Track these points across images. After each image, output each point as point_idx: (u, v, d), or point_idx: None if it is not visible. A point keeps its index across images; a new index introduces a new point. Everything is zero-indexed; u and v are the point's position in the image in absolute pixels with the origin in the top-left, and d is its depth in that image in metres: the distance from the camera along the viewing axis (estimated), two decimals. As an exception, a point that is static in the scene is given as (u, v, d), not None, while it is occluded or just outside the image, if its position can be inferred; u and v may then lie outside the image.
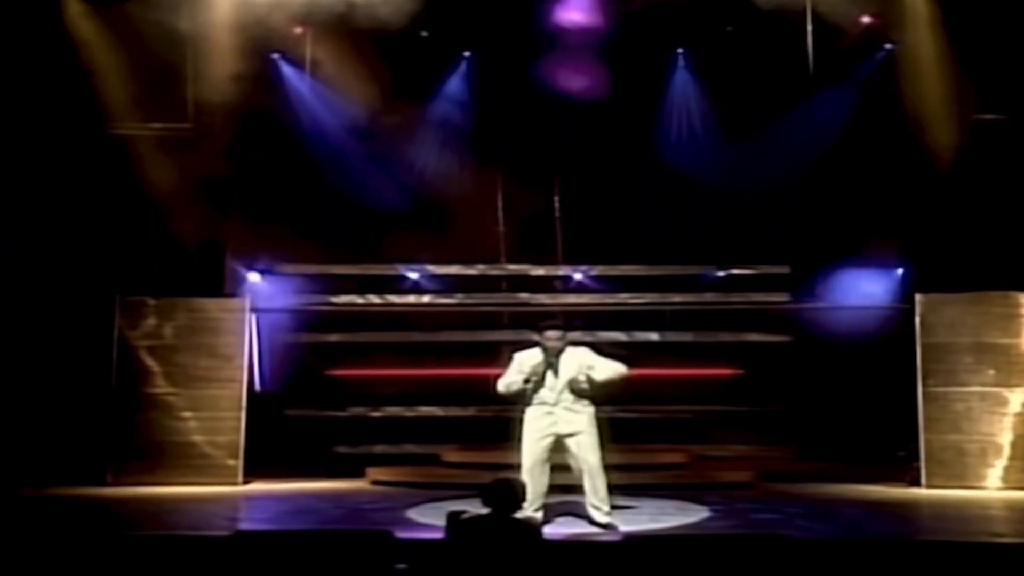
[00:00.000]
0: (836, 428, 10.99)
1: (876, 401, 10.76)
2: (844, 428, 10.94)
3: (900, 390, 10.43)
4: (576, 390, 7.24)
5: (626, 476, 7.71)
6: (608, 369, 7.32)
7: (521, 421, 7.50)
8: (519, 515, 5.32)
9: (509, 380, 7.32)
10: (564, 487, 7.65)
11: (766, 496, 9.22)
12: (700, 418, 11.43)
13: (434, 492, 9.12)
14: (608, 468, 7.35)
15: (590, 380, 7.28)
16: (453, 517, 5.08)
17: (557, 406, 7.28)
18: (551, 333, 7.29)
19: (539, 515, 7.17)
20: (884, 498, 9.14)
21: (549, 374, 7.32)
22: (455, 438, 11.26)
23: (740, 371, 11.67)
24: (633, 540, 5.85)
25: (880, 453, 10.37)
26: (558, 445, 7.32)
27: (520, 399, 7.36)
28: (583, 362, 7.38)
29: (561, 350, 7.30)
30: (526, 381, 7.25)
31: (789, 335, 11.58)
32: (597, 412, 7.40)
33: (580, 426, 7.28)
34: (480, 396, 11.60)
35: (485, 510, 5.11)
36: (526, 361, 7.33)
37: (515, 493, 5.16)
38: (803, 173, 11.04)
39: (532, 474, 7.22)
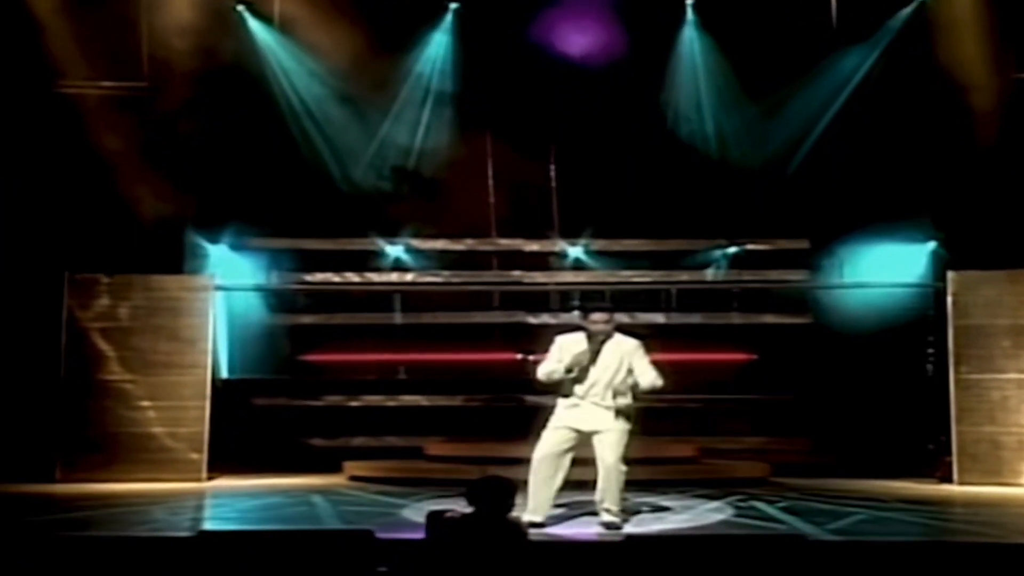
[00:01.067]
0: (858, 419, 11.04)
1: (903, 389, 10.87)
2: (867, 419, 10.99)
3: (930, 377, 10.50)
4: (618, 391, 7.11)
5: (634, 469, 7.63)
6: (650, 376, 7.18)
7: (534, 412, 7.56)
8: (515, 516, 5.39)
9: (550, 368, 7.17)
10: (577, 483, 7.59)
11: (781, 492, 9.25)
12: (709, 408, 11.48)
13: (418, 489, 9.17)
14: (629, 467, 7.30)
15: (631, 384, 7.16)
16: (434, 516, 5.09)
17: (584, 399, 7.15)
18: (597, 316, 7.15)
19: (539, 518, 7.10)
20: (912, 495, 9.19)
21: (585, 356, 7.18)
22: (441, 430, 11.32)
23: (753, 356, 11.74)
24: (635, 541, 5.84)
25: (907, 447, 10.46)
26: (583, 442, 7.21)
27: (560, 389, 7.26)
28: (628, 356, 7.23)
29: (607, 337, 7.16)
30: (568, 371, 7.11)
31: (807, 316, 11.66)
32: (631, 409, 7.28)
33: (605, 424, 7.14)
34: (468, 383, 11.91)
35: (470, 509, 5.19)
36: (567, 347, 7.18)
37: (503, 492, 5.15)
38: (824, 139, 11.16)
39: (539, 469, 7.12)
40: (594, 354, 7.12)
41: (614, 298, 11.57)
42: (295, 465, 10.67)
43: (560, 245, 12.16)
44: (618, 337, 7.24)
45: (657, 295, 11.92)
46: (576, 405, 7.15)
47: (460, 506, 5.30)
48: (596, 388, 7.16)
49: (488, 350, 11.90)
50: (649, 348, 7.29)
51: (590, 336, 7.19)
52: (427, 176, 11.58)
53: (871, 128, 11.05)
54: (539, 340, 9.67)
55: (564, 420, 7.19)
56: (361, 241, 11.96)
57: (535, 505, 7.11)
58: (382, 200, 11.64)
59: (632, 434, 7.20)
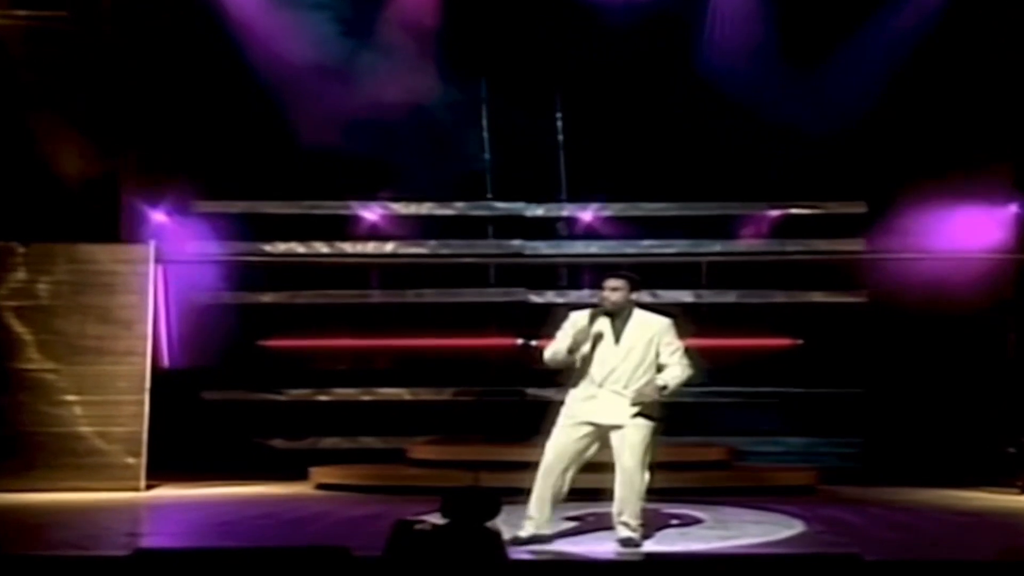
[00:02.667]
0: (922, 416, 11.14)
1: (977, 381, 10.97)
2: (933, 416, 11.09)
3: (1010, 367, 10.50)
4: (642, 395, 7.03)
5: (654, 476, 7.50)
6: (680, 368, 7.10)
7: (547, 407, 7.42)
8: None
9: (556, 346, 7.11)
10: (590, 492, 7.60)
11: (831, 504, 9.30)
12: (745, 403, 11.56)
13: (400, 498, 9.16)
14: (654, 473, 7.27)
15: (659, 373, 7.08)
16: (403, 527, 5.06)
17: (603, 387, 7.07)
18: (608, 282, 7.09)
19: (546, 531, 7.09)
20: (987, 508, 9.26)
21: (605, 342, 7.09)
22: (426, 429, 11.38)
23: (797, 341, 11.74)
24: (656, 561, 5.90)
25: (982, 450, 10.54)
26: (601, 440, 7.13)
27: (570, 373, 7.20)
28: (657, 337, 7.14)
29: (624, 311, 7.08)
30: (572, 349, 7.03)
31: (862, 294, 11.68)
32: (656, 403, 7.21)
33: (627, 417, 7.06)
34: (459, 374, 11.94)
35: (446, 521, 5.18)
36: (580, 322, 7.10)
37: (483, 507, 5.14)
38: (884, 83, 11.10)
39: (548, 474, 7.06)
40: (615, 334, 7.06)
41: (634, 272, 11.34)
42: (252, 471, 10.73)
43: (568, 210, 12.20)
44: (644, 315, 7.18)
45: (684, 269, 11.92)
46: (592, 396, 7.08)
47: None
48: (617, 374, 7.08)
49: (483, 334, 11.94)
50: (679, 332, 7.24)
51: (603, 309, 7.12)
52: (410, 127, 11.57)
53: (939, 71, 11.12)
54: (543, 322, 9.69)
55: (578, 414, 7.12)
56: (331, 204, 12.01)
57: (537, 516, 7.09)
58: (357, 155, 11.64)
59: (657, 433, 7.15)
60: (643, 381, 7.05)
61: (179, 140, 11.27)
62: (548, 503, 7.07)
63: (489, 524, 5.13)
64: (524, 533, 7.02)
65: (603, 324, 7.08)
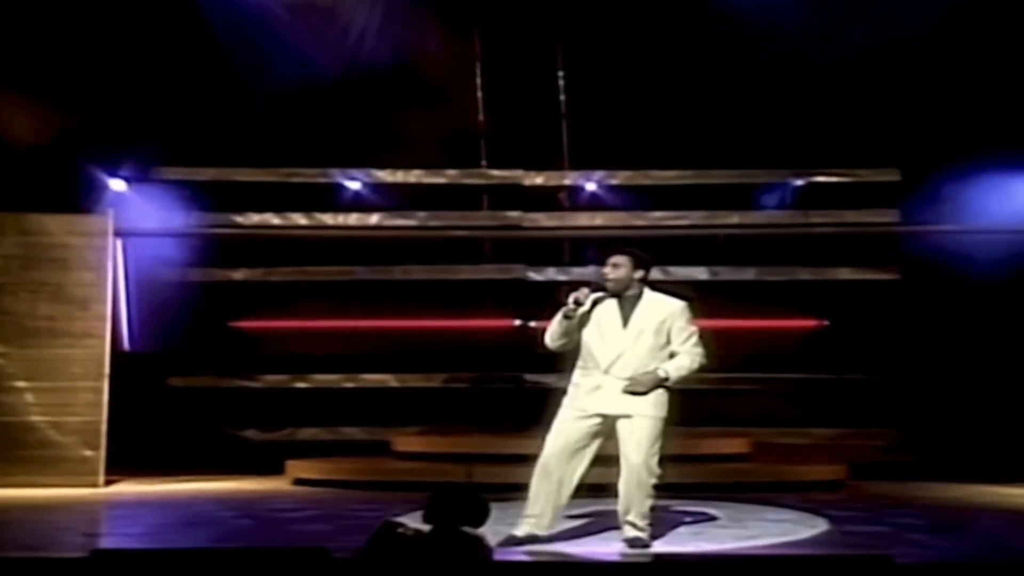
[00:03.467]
0: (962, 405, 11.10)
1: (1023, 366, 10.87)
2: (973, 405, 11.06)
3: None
4: (636, 383, 7.05)
5: (665, 470, 7.51)
6: (689, 357, 7.12)
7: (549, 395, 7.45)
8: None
9: (553, 329, 7.18)
10: (593, 487, 7.59)
11: (860, 501, 9.33)
12: (766, 390, 11.61)
13: (385, 495, 9.14)
14: (662, 467, 7.26)
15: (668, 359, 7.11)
16: (388, 529, 5.08)
17: (609, 374, 7.09)
18: (610, 258, 7.13)
19: (541, 531, 7.12)
20: None
21: (611, 326, 7.11)
22: (414, 418, 11.46)
23: (823, 322, 11.76)
24: (666, 563, 5.83)
25: None
26: (608, 431, 7.16)
27: (572, 358, 7.23)
28: (670, 321, 7.15)
29: (633, 292, 7.09)
30: (568, 316, 7.06)
31: (895, 271, 11.71)
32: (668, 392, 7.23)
33: (637, 407, 7.08)
34: (451, 358, 11.97)
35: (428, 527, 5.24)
36: (581, 299, 7.13)
37: (469, 512, 5.18)
38: (921, 35, 11.05)
39: (547, 469, 7.10)
40: (623, 317, 7.10)
41: (643, 247, 11.11)
42: (222, 465, 10.75)
43: (571, 178, 12.21)
44: (656, 296, 7.20)
45: (699, 244, 11.90)
46: (598, 387, 7.12)
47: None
48: (625, 361, 7.09)
49: (477, 315, 11.99)
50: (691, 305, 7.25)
51: (604, 290, 7.14)
52: (396, 86, 11.60)
53: (986, 29, 11.04)
54: (543, 302, 9.69)
55: (583, 404, 7.15)
56: (310, 172, 12.02)
57: (536, 514, 7.11)
58: (339, 117, 11.68)
59: (668, 424, 7.16)
60: (652, 368, 7.07)
61: (140, 100, 11.22)
62: (550, 503, 7.09)
63: (475, 528, 5.17)
64: (520, 532, 7.05)
65: (609, 306, 7.10)
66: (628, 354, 7.06)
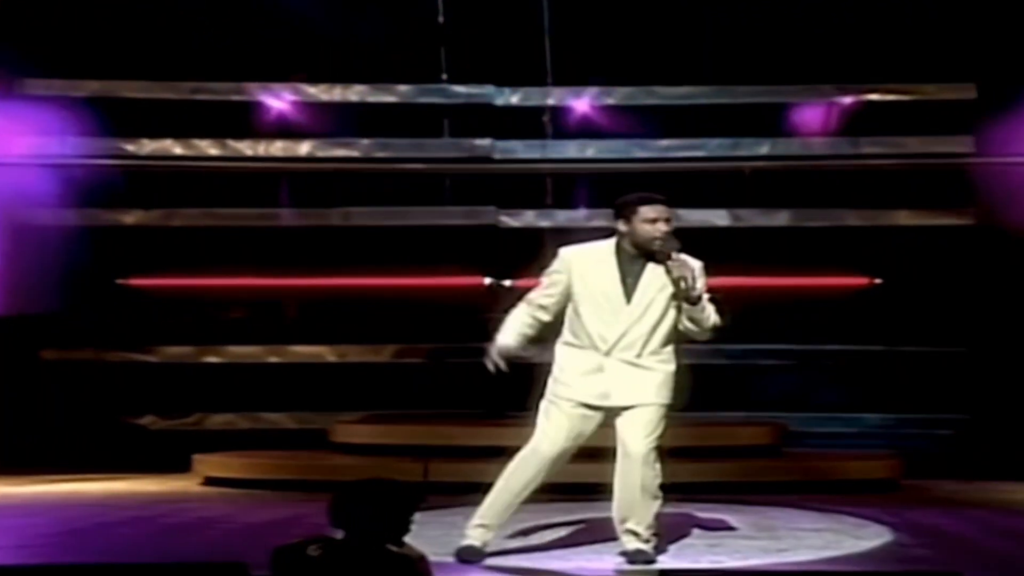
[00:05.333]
0: None
1: None
2: None
3: None
4: (664, 343, 7.19)
5: (673, 466, 7.58)
6: (710, 309, 7.24)
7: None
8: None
9: (529, 313, 7.26)
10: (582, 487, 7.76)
11: (921, 504, 9.35)
12: (801, 366, 11.69)
13: (317, 496, 8.93)
14: (664, 461, 7.32)
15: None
16: (284, 554, 4.89)
17: (611, 356, 7.19)
18: (659, 209, 7.12)
19: (489, 535, 7.21)
20: None
21: (611, 297, 7.21)
22: (356, 402, 11.45)
23: (875, 280, 11.69)
24: None
25: None
26: (605, 423, 7.31)
27: (566, 336, 7.33)
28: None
29: (669, 255, 7.15)
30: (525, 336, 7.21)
31: (967, 215, 11.59)
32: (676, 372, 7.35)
33: (643, 395, 7.19)
34: (403, 327, 11.99)
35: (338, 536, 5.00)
36: (581, 269, 7.20)
37: (392, 507, 4.97)
38: None
39: (520, 471, 7.20)
40: (625, 284, 7.18)
41: (646, 185, 11.44)
42: (114, 461, 10.81)
43: (556, 96, 12.06)
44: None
45: (718, 180, 11.90)
46: (599, 369, 7.22)
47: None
48: (629, 339, 7.17)
49: (436, 272, 11.98)
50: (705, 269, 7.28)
51: (654, 257, 7.10)
52: None
53: None
54: (519, 255, 10.19)
55: (580, 394, 7.24)
56: (223, 87, 11.93)
57: (488, 519, 7.20)
58: (259, 20, 11.62)
59: (673, 411, 7.25)
60: (660, 343, 7.16)
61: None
62: (503, 498, 7.21)
63: (405, 539, 5.01)
64: (476, 542, 7.11)
65: (607, 271, 7.16)
66: (633, 331, 7.15)
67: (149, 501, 9.49)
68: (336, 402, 11.38)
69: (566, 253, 7.21)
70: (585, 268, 7.15)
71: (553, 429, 7.16)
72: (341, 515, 4.98)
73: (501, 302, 10.82)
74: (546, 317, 7.19)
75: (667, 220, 7.08)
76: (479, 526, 7.15)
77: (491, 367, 7.20)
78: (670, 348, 7.23)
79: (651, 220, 7.04)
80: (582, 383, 7.17)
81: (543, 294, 7.20)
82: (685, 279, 7.04)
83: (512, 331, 7.17)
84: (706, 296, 7.20)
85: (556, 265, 7.20)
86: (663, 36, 11.75)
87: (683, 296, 7.09)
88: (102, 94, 11.62)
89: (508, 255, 11.42)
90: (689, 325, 7.16)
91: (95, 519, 8.69)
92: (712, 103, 11.86)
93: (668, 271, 7.05)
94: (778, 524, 8.41)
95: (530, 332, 7.20)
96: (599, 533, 7.57)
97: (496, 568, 6.95)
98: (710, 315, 7.18)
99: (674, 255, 7.03)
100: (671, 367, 7.21)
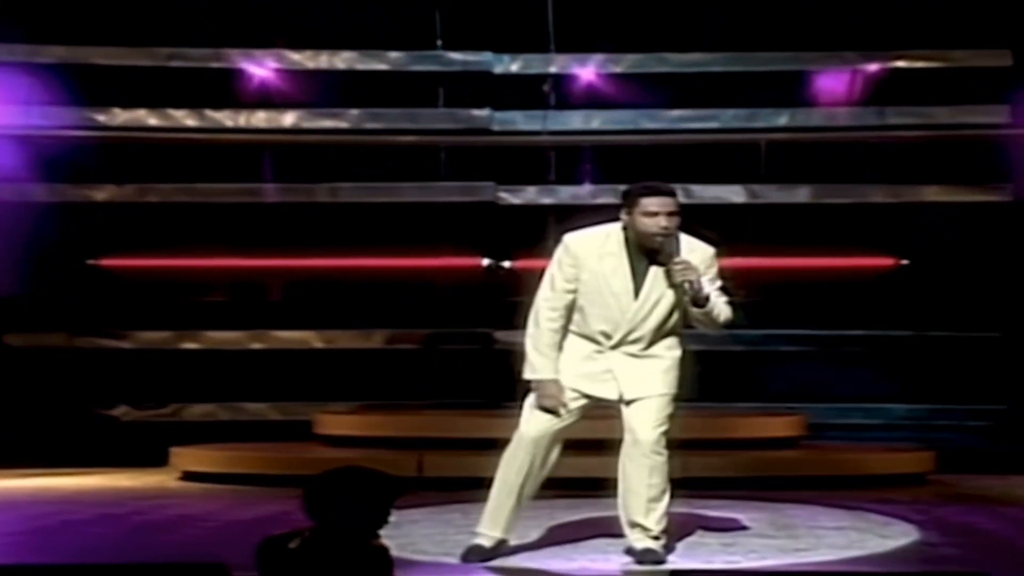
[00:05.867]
0: None
1: None
2: None
3: None
4: (671, 334, 7.20)
5: (688, 460, 7.76)
6: (720, 306, 7.20)
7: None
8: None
9: (544, 316, 7.16)
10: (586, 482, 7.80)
11: (951, 501, 9.36)
12: (824, 353, 11.66)
13: (301, 491, 8.98)
14: (673, 454, 7.28)
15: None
16: (270, 546, 4.90)
17: (616, 351, 7.20)
18: (662, 201, 7.05)
19: (497, 533, 7.16)
20: None
21: (618, 291, 7.17)
22: (344, 391, 11.53)
23: (902, 261, 11.76)
24: None
25: None
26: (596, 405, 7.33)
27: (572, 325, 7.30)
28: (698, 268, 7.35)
29: (675, 243, 7.14)
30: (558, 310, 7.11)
31: (1003, 191, 11.65)
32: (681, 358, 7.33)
33: (647, 387, 7.19)
34: (395, 311, 11.99)
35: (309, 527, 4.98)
36: (584, 258, 7.15)
37: (369, 496, 4.94)
38: None
39: (516, 462, 7.17)
40: (635, 276, 7.14)
41: (656, 160, 11.57)
42: (86, 454, 10.83)
43: (559, 64, 12.10)
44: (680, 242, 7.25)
45: (734, 154, 11.92)
46: (600, 352, 7.20)
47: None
48: (637, 334, 7.17)
49: (430, 252, 11.97)
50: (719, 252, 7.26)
51: (651, 246, 7.01)
52: None
53: None
54: (520, 234, 10.41)
55: (577, 382, 7.22)
56: (200, 54, 11.96)
57: (495, 518, 7.17)
58: None
59: (679, 400, 7.22)
60: (668, 334, 7.16)
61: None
62: (508, 499, 7.17)
63: (379, 533, 4.99)
64: (485, 542, 7.08)
65: (616, 264, 7.14)
66: (641, 327, 7.15)
67: (122, 497, 9.45)
68: (323, 391, 11.43)
69: (573, 246, 7.17)
70: (594, 263, 7.14)
71: (533, 420, 7.18)
72: (316, 506, 4.97)
73: (499, 285, 10.91)
74: (563, 322, 7.17)
75: (669, 215, 7.04)
76: (488, 528, 7.14)
77: (560, 410, 7.12)
78: (677, 335, 7.26)
79: (651, 214, 7.01)
80: (579, 370, 7.19)
81: (555, 304, 7.17)
82: (690, 283, 7.05)
83: (549, 360, 7.12)
84: (718, 284, 7.22)
85: (564, 259, 7.16)
86: (669, 4, 11.78)
87: (689, 300, 7.10)
88: (70, 60, 11.67)
89: (508, 234, 11.45)
90: (700, 319, 7.17)
91: (63, 516, 8.64)
92: (727, 71, 11.91)
93: (670, 275, 7.04)
94: (797, 522, 8.37)
95: (558, 347, 7.19)
96: (605, 530, 7.53)
97: (498, 568, 6.92)
98: (721, 312, 7.18)
99: (676, 259, 7.04)
100: (677, 352, 7.23)
